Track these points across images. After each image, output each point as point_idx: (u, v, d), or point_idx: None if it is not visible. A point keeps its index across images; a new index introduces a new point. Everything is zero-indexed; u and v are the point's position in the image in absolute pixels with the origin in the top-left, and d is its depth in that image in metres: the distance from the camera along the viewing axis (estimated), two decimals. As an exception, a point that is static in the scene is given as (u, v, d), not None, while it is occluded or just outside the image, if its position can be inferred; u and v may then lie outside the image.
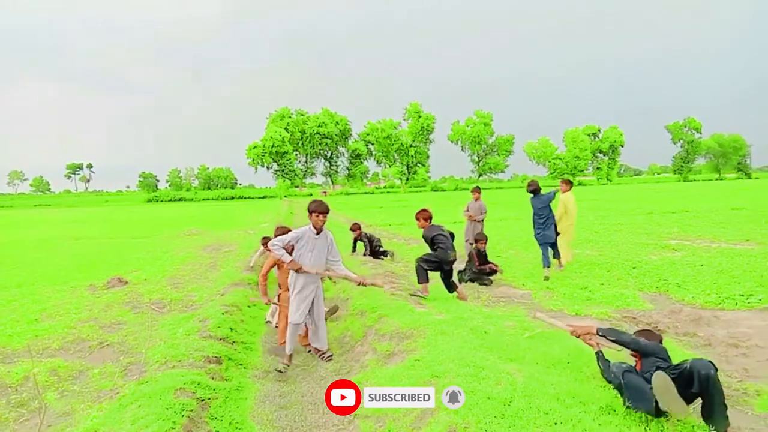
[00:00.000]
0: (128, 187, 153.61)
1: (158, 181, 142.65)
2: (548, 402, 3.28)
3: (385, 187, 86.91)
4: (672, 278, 7.92)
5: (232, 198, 69.67)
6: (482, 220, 10.47)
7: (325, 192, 74.47)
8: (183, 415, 3.63)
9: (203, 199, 68.45)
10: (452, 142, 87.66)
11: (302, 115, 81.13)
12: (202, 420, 3.81)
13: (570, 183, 9.72)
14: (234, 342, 5.82)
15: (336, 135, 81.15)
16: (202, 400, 4.01)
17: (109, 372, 5.05)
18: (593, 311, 6.41)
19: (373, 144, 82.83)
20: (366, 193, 75.11)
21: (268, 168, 76.63)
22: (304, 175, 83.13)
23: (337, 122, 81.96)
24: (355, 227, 11.64)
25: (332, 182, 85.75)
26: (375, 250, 11.28)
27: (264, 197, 68.75)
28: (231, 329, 6.06)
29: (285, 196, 63.38)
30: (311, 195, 68.75)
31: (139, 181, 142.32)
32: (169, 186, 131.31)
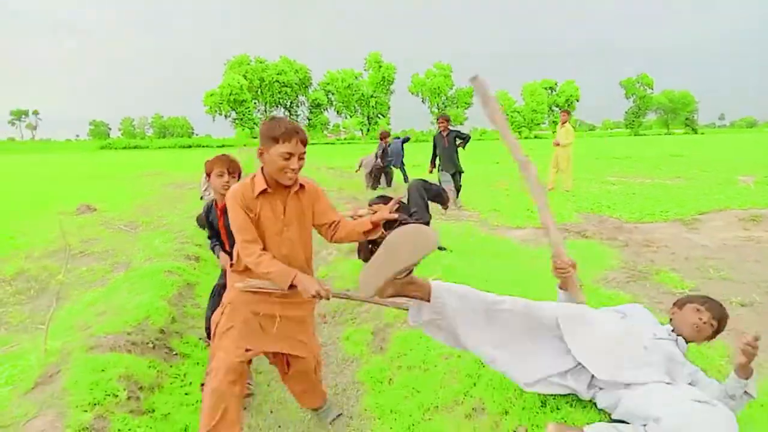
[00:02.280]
0: (78, 136, 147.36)
1: (110, 129, 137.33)
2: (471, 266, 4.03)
3: (345, 139, 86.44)
4: (605, 202, 8.82)
5: (190, 147, 67.97)
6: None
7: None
8: (173, 287, 4.21)
9: (159, 148, 66.69)
10: (413, 94, 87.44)
11: (261, 62, 78.98)
12: (189, 295, 4.40)
13: (569, 113, 10.96)
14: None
15: (296, 84, 79.57)
16: (188, 283, 4.59)
17: (96, 269, 5.55)
18: (532, 224, 7.23)
19: (333, 94, 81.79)
20: (327, 143, 74.67)
21: (226, 116, 74.85)
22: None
23: (296, 70, 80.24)
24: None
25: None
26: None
27: (222, 146, 67.50)
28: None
29: (244, 145, 62.42)
30: (270, 144, 67.99)
31: (90, 129, 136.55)
32: (122, 135, 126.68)
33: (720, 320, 2.28)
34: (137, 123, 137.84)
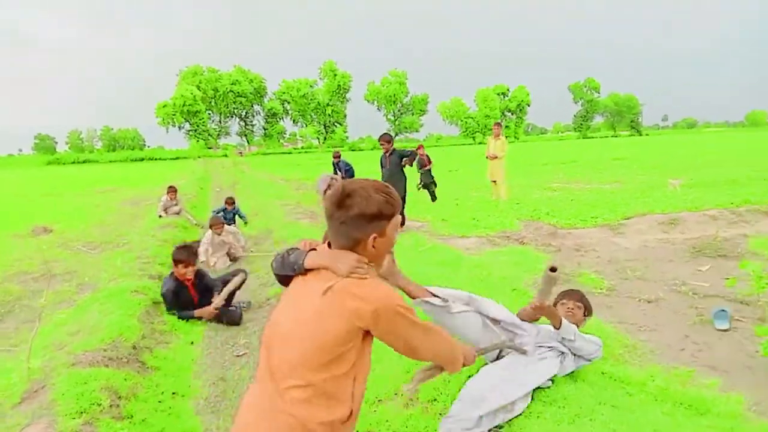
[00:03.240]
0: (21, 150, 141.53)
1: (56, 143, 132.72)
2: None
3: (302, 148, 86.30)
4: (544, 209, 9.49)
5: (142, 159, 66.52)
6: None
7: (241, 152, 72.92)
8: (140, 305, 4.54)
9: (110, 162, 64.98)
10: (368, 101, 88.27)
11: (214, 72, 78.23)
12: (156, 312, 4.72)
13: (500, 125, 11.71)
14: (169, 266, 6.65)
15: (250, 93, 79.09)
16: (153, 301, 4.91)
17: (63, 290, 5.78)
18: (477, 233, 7.80)
19: (289, 103, 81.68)
20: (284, 153, 74.50)
21: (179, 128, 73.75)
22: (218, 135, 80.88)
23: (251, 80, 79.81)
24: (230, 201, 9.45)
25: (248, 142, 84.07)
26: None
27: (177, 158, 66.37)
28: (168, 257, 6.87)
29: (199, 157, 61.59)
30: (226, 156, 67.29)
31: (35, 143, 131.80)
32: (70, 149, 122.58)
33: (585, 303, 3.14)
34: (85, 136, 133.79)
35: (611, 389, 2.83)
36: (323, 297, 1.45)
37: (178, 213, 10.76)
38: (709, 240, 6.72)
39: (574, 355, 2.85)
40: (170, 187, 11.35)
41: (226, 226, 7.36)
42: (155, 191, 18.45)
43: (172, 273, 4.81)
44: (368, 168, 20.33)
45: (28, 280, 6.38)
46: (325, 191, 11.43)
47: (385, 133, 8.59)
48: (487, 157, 11.32)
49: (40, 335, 4.14)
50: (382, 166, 8.61)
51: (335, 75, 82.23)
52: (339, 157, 11.81)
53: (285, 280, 1.68)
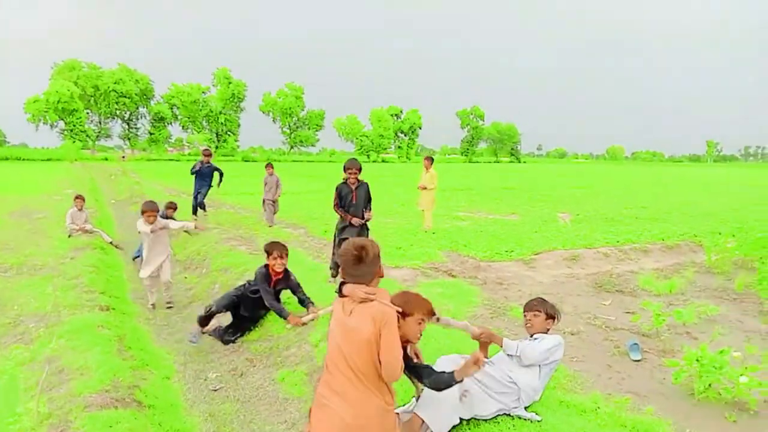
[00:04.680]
0: None
1: None
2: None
3: (190, 154, 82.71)
4: (460, 240, 10.35)
5: (7, 159, 59.78)
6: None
7: (123, 157, 68.16)
8: (111, 341, 4.55)
9: (-34, 159, 57.73)
10: (264, 113, 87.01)
11: (95, 69, 72.75)
12: (124, 347, 4.73)
13: (432, 159, 12.00)
14: (111, 296, 6.50)
15: (136, 94, 74.46)
16: (119, 336, 4.90)
17: (2, 323, 5.46)
18: (407, 264, 8.39)
19: (178, 108, 78.08)
20: (171, 159, 70.95)
21: (52, 126, 67.55)
22: (98, 136, 75.17)
23: (137, 80, 75.16)
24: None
25: (131, 146, 78.99)
26: None
27: (49, 159, 60.60)
28: (105, 284, 6.70)
29: (76, 160, 56.76)
30: (106, 159, 62.78)
31: None
32: None
33: (543, 308, 3.69)
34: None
35: (571, 415, 3.49)
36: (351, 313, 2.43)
37: (90, 231, 10.25)
38: (606, 276, 7.89)
39: (539, 366, 3.46)
40: (78, 196, 10.81)
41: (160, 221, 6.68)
42: (42, 201, 17.08)
43: (266, 265, 5.22)
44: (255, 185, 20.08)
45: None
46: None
47: (354, 159, 6.93)
48: (418, 188, 12.05)
49: (10, 375, 4.06)
50: (341, 196, 6.79)
51: (229, 83, 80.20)
52: (209, 155, 12.68)
53: None
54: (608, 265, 8.63)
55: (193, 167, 12.45)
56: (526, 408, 3.38)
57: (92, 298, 5.87)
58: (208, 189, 12.74)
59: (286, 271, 5.29)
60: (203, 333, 5.32)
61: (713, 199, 21.39)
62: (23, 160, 61.49)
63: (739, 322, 6.16)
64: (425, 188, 11.75)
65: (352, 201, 6.73)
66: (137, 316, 6.21)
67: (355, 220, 6.65)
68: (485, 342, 3.45)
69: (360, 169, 6.81)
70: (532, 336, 3.63)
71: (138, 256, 8.28)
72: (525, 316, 3.76)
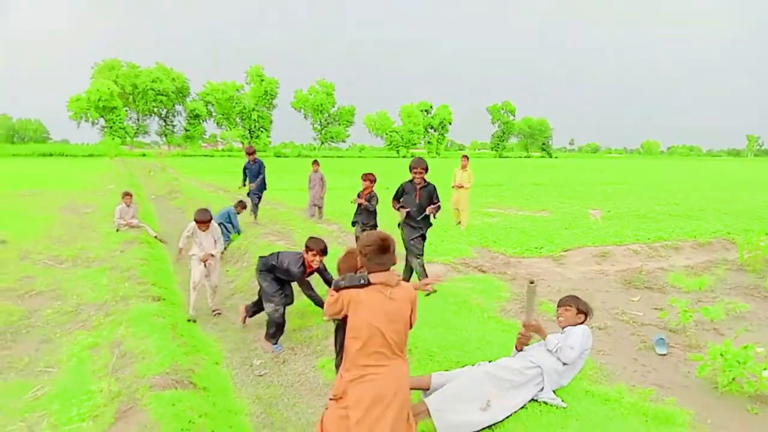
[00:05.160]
0: None
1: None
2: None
3: (224, 150, 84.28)
4: (490, 237, 10.53)
5: (51, 155, 62.06)
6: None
7: (161, 153, 69.95)
8: (166, 329, 4.94)
9: (13, 155, 60.09)
10: (295, 109, 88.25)
11: (134, 68, 74.91)
12: (176, 335, 5.12)
13: (468, 158, 12.52)
14: (160, 287, 6.93)
15: (172, 92, 76.44)
16: (172, 325, 5.29)
17: (62, 310, 5.93)
18: (440, 259, 8.64)
19: (213, 105, 79.78)
20: (205, 155, 72.55)
21: (93, 123, 69.92)
22: (136, 133, 77.38)
23: (173, 79, 77.17)
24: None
25: (167, 142, 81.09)
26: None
27: (90, 155, 62.65)
28: (155, 275, 7.15)
29: (116, 156, 58.60)
30: (144, 155, 64.49)
31: None
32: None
33: (575, 303, 3.94)
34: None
35: (596, 404, 3.71)
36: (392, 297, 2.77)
37: (136, 226, 10.81)
38: (635, 273, 7.99)
39: (564, 364, 3.69)
40: (125, 193, 11.38)
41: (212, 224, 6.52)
42: (88, 196, 17.90)
43: (302, 256, 5.27)
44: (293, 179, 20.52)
45: (14, 297, 6.42)
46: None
47: (419, 158, 6.67)
48: (453, 187, 12.06)
49: (78, 358, 4.47)
50: (404, 194, 6.62)
51: (262, 80, 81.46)
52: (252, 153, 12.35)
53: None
54: (638, 262, 8.71)
55: (243, 175, 12.35)
56: (554, 391, 3.61)
57: (145, 289, 6.30)
58: (261, 190, 12.20)
59: (321, 267, 5.44)
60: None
61: (750, 196, 20.96)
62: (66, 155, 63.79)
63: (767, 319, 6.23)
64: (462, 187, 11.85)
65: (415, 199, 6.49)
66: (184, 306, 6.63)
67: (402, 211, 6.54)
68: (530, 332, 3.77)
69: (426, 169, 6.57)
70: (562, 329, 3.87)
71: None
72: (557, 310, 4.00)
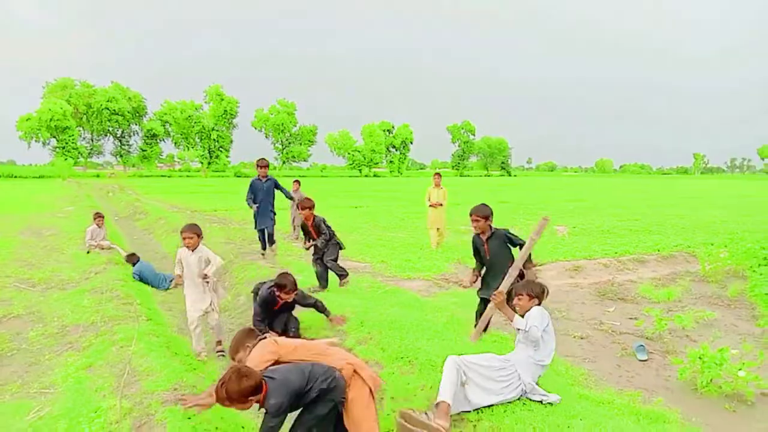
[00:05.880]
0: None
1: None
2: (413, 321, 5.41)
3: (181, 170, 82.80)
4: (466, 253, 10.78)
5: (-1, 176, 59.59)
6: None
7: (113, 174, 68.12)
8: (162, 347, 4.93)
9: (-47, 177, 57.34)
10: (256, 129, 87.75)
11: (88, 87, 73.09)
12: (172, 353, 5.10)
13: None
14: (147, 307, 6.85)
15: (128, 112, 74.82)
16: (167, 342, 5.27)
17: (46, 333, 5.79)
18: (419, 275, 8.82)
19: (171, 124, 78.33)
20: (162, 175, 71.17)
21: (44, 144, 67.65)
22: (90, 153, 75.24)
23: (129, 98, 75.62)
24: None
25: (122, 163, 79.04)
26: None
27: (40, 177, 60.51)
28: (138, 296, 7.07)
29: (70, 177, 56.76)
30: (98, 176, 62.83)
31: None
32: None
33: (524, 290, 4.10)
34: None
35: (590, 406, 3.93)
36: None
37: (107, 248, 10.62)
38: (607, 285, 8.37)
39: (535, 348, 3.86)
40: (97, 213, 11.24)
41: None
42: (46, 219, 17.32)
43: (272, 289, 5.01)
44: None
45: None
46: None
47: (480, 205, 5.35)
48: (429, 206, 11.88)
49: (76, 378, 4.42)
50: (476, 254, 5.57)
51: (222, 99, 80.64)
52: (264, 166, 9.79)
53: None
54: (608, 275, 9.12)
55: (249, 194, 9.82)
56: (537, 384, 3.79)
57: (132, 309, 6.23)
58: (274, 214, 9.92)
59: (295, 300, 5.18)
60: None
61: (703, 211, 22.05)
62: (14, 177, 61.35)
63: (733, 326, 6.64)
64: (440, 205, 11.87)
65: (485, 256, 5.30)
66: (171, 326, 6.57)
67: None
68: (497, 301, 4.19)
69: (486, 217, 5.18)
70: (522, 317, 4.06)
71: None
72: (512, 301, 4.16)
